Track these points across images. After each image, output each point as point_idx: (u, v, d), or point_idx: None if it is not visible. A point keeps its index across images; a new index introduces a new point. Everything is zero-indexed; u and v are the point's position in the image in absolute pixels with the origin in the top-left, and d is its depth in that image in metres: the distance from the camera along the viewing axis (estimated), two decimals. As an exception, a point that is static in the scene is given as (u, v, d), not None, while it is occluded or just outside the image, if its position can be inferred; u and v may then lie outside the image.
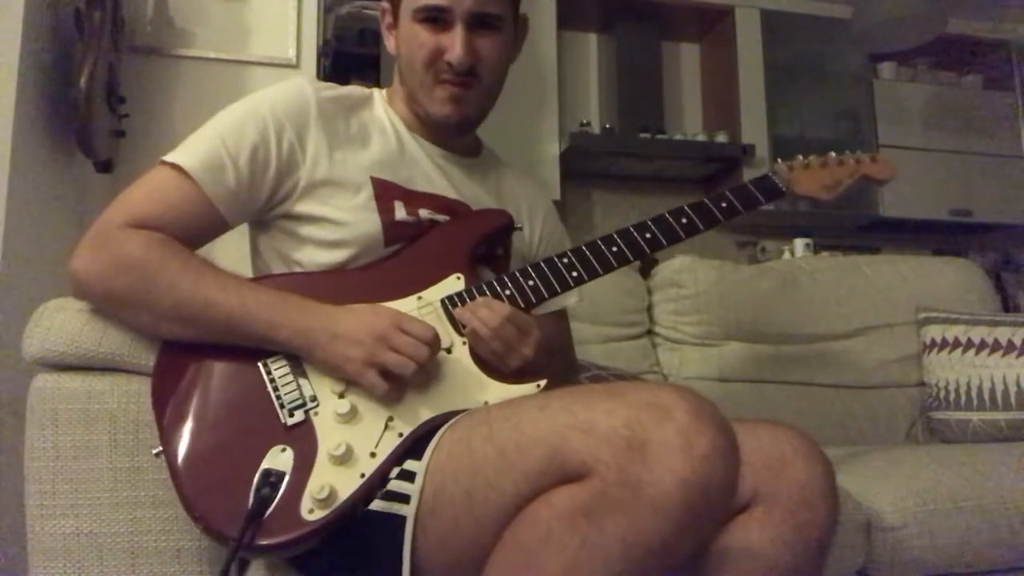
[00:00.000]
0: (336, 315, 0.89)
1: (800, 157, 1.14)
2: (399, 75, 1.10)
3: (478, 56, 1.03)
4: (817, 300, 1.90)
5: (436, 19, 1.02)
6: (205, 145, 0.96)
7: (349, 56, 2.64)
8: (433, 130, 1.09)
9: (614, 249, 1.01)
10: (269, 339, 0.89)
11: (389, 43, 1.11)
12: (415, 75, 1.05)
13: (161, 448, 0.85)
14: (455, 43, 1.01)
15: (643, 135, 3.47)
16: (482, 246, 1.05)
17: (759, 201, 1.08)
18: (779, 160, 1.14)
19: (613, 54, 3.64)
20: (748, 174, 3.54)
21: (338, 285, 0.97)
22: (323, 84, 1.06)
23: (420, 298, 0.96)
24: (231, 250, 1.07)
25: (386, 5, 1.10)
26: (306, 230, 0.99)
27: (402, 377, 0.86)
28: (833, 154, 1.15)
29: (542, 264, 1.00)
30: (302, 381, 0.88)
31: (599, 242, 1.02)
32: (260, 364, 0.89)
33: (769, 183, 1.10)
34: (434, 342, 0.88)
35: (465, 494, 0.79)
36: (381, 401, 0.87)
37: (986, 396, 1.65)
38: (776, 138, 3.60)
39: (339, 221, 0.98)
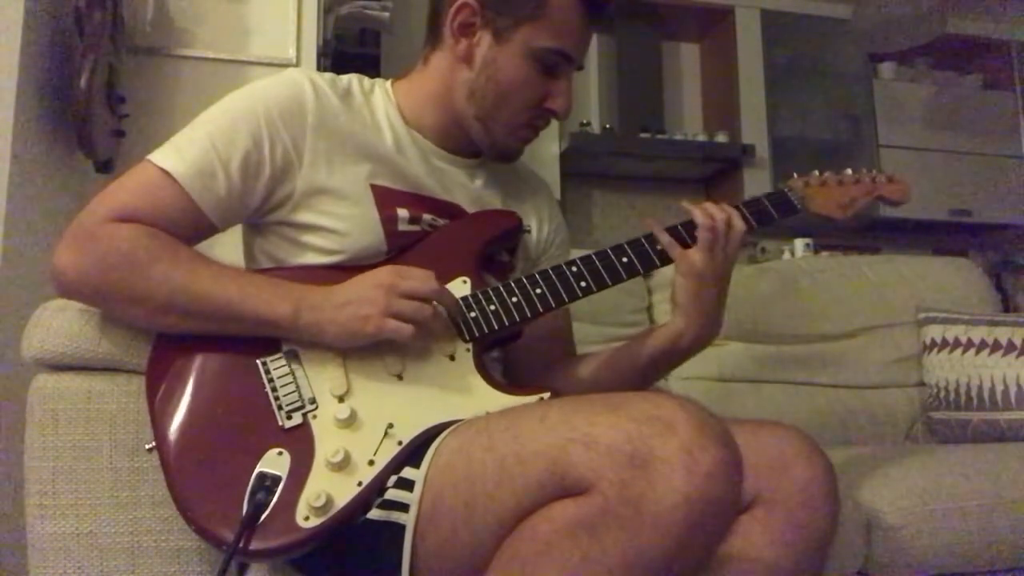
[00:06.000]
0: (334, 289, 0.88)
1: (816, 173, 1.09)
2: (468, 92, 1.01)
3: None
4: (817, 300, 1.90)
5: (554, 65, 0.99)
6: (195, 149, 0.91)
7: (349, 56, 2.64)
8: (463, 144, 1.07)
9: (624, 260, 0.99)
10: (273, 321, 0.86)
11: (459, 45, 1.00)
12: (504, 110, 1.01)
13: (155, 444, 0.83)
14: (565, 95, 1.01)
15: (643, 135, 3.48)
16: (489, 249, 1.04)
17: (772, 217, 1.04)
18: (795, 175, 1.09)
19: (613, 54, 3.64)
20: (748, 174, 3.55)
21: (338, 282, 0.94)
22: (322, 75, 1.01)
23: None
24: (232, 250, 1.07)
25: (474, 4, 0.99)
26: (307, 238, 0.97)
27: (421, 323, 0.86)
28: (849, 171, 1.12)
29: (550, 272, 0.97)
30: (301, 382, 0.87)
31: (609, 252, 1.00)
32: (259, 362, 0.88)
33: (783, 199, 1.06)
34: (433, 278, 0.89)
35: (464, 504, 0.78)
36: (382, 406, 0.86)
37: (986, 396, 1.65)
38: (776, 138, 3.61)
39: (341, 232, 0.96)
